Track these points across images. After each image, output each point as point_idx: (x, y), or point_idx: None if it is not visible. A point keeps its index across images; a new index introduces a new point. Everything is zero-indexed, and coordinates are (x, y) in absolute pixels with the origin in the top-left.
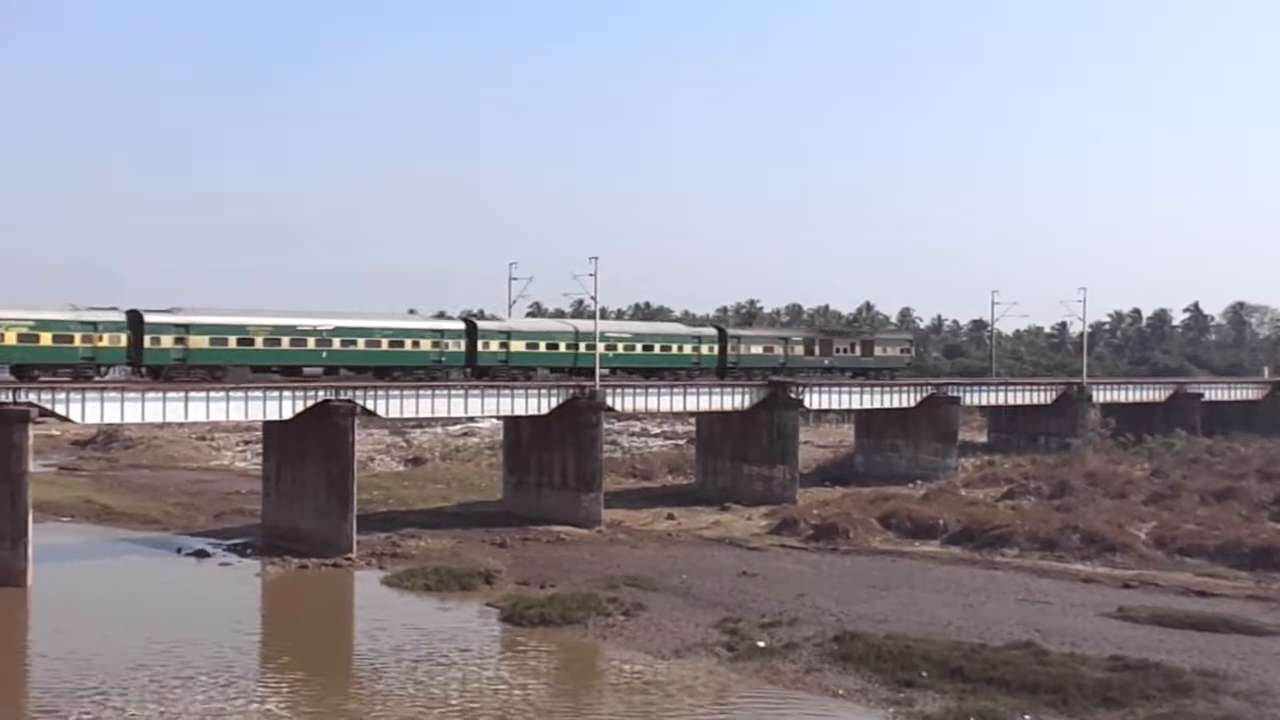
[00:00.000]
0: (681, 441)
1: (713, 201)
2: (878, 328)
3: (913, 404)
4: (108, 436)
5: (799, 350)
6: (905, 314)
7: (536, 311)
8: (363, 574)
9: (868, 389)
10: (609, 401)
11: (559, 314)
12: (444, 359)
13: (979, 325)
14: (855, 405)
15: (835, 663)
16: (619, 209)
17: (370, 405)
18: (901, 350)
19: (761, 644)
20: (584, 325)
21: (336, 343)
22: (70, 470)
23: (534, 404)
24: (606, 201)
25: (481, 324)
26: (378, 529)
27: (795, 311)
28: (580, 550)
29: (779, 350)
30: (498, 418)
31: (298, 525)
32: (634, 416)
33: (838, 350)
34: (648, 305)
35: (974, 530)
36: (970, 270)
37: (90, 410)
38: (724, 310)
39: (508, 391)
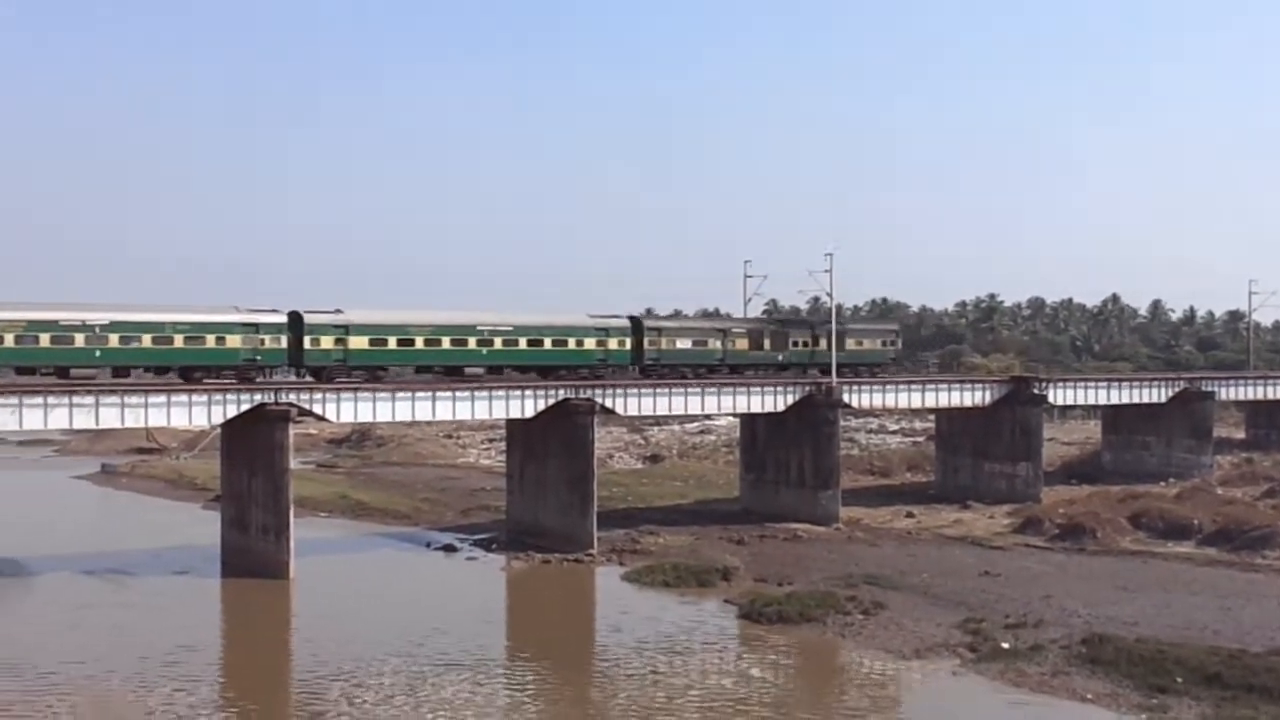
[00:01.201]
0: (920, 439)
1: (955, 194)
2: (856, 317)
3: (1164, 399)
4: (361, 435)
5: (741, 344)
6: (1156, 306)
7: (773, 309)
8: (603, 569)
9: (1115, 384)
10: (845, 398)
11: (794, 311)
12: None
13: (1235, 316)
14: (1102, 401)
15: (1083, 666)
16: (857, 205)
17: (609, 403)
18: (884, 343)
19: (1006, 645)
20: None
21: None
22: (327, 467)
23: (770, 401)
24: (842, 198)
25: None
26: (617, 525)
27: (1037, 305)
28: (818, 548)
29: (715, 344)
30: (734, 415)
31: (540, 521)
32: (871, 413)
33: (795, 343)
34: (884, 301)
35: (1231, 530)
36: (1222, 258)
37: (345, 409)
38: (963, 305)
39: (744, 389)
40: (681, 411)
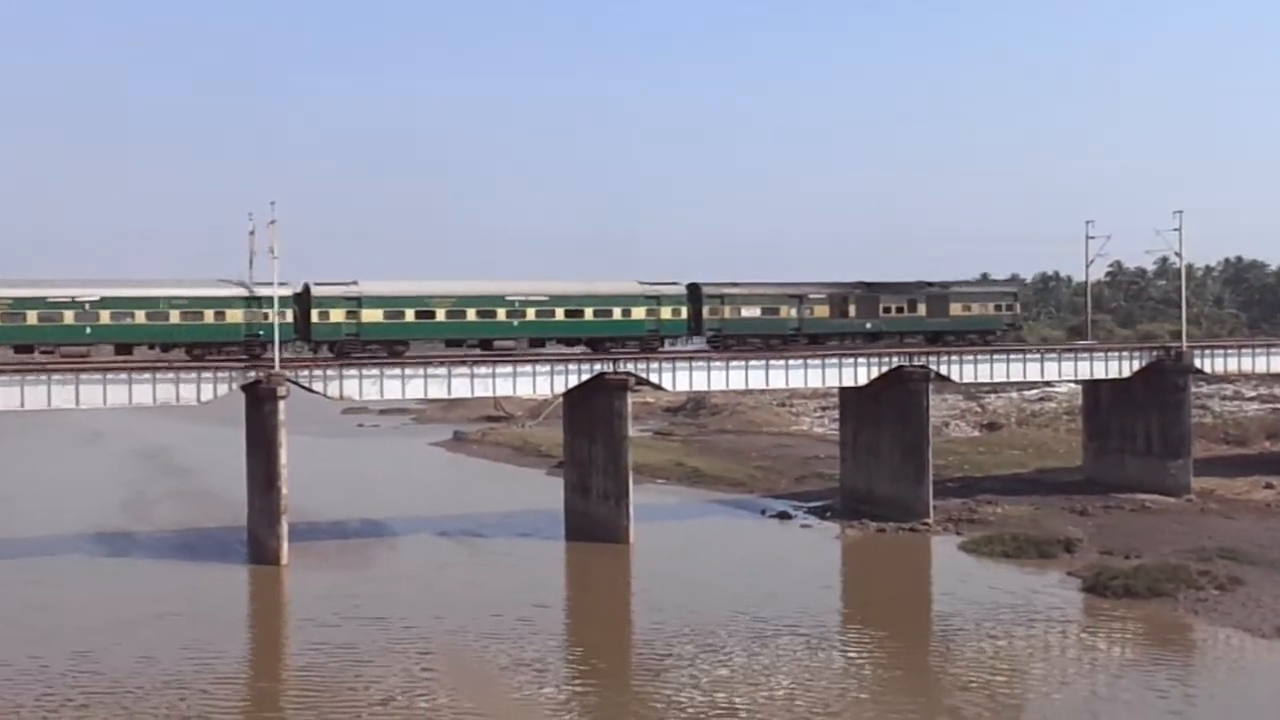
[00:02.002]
0: None
1: None
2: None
3: None
4: (696, 403)
5: (821, 311)
6: None
7: (1117, 271)
8: (939, 539)
9: None
10: (1197, 363)
11: (1139, 274)
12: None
13: None
14: None
15: None
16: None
17: (944, 370)
18: (997, 307)
19: None
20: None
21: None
22: (664, 435)
23: (1114, 367)
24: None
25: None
26: (953, 495)
27: None
28: (1167, 520)
29: (789, 312)
30: (1075, 382)
31: (874, 489)
32: (1225, 379)
33: (887, 310)
34: (1239, 259)
35: None
36: None
37: (680, 378)
38: None
39: (1085, 354)
40: (1018, 378)
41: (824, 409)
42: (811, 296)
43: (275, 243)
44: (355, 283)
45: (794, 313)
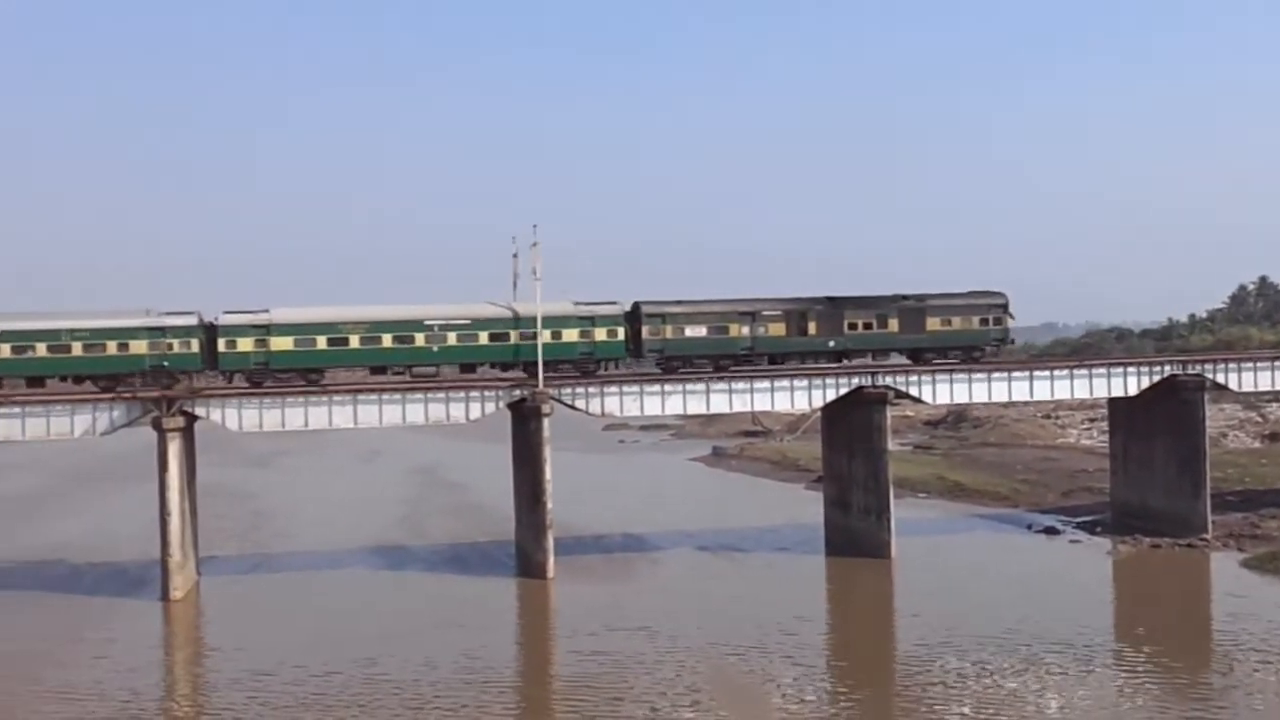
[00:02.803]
0: None
1: None
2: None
3: None
4: (957, 416)
5: (776, 328)
6: None
7: None
8: (1219, 555)
9: None
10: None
11: None
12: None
13: None
14: None
15: None
16: None
17: (1220, 379)
18: (982, 320)
19: None
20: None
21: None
22: (924, 448)
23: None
24: None
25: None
26: (1233, 509)
27: None
28: None
29: (741, 330)
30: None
31: (1147, 503)
32: None
33: (853, 326)
34: None
35: None
36: None
37: (940, 391)
38: None
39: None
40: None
41: (1091, 420)
42: (765, 313)
43: (537, 264)
44: (267, 310)
45: (746, 331)
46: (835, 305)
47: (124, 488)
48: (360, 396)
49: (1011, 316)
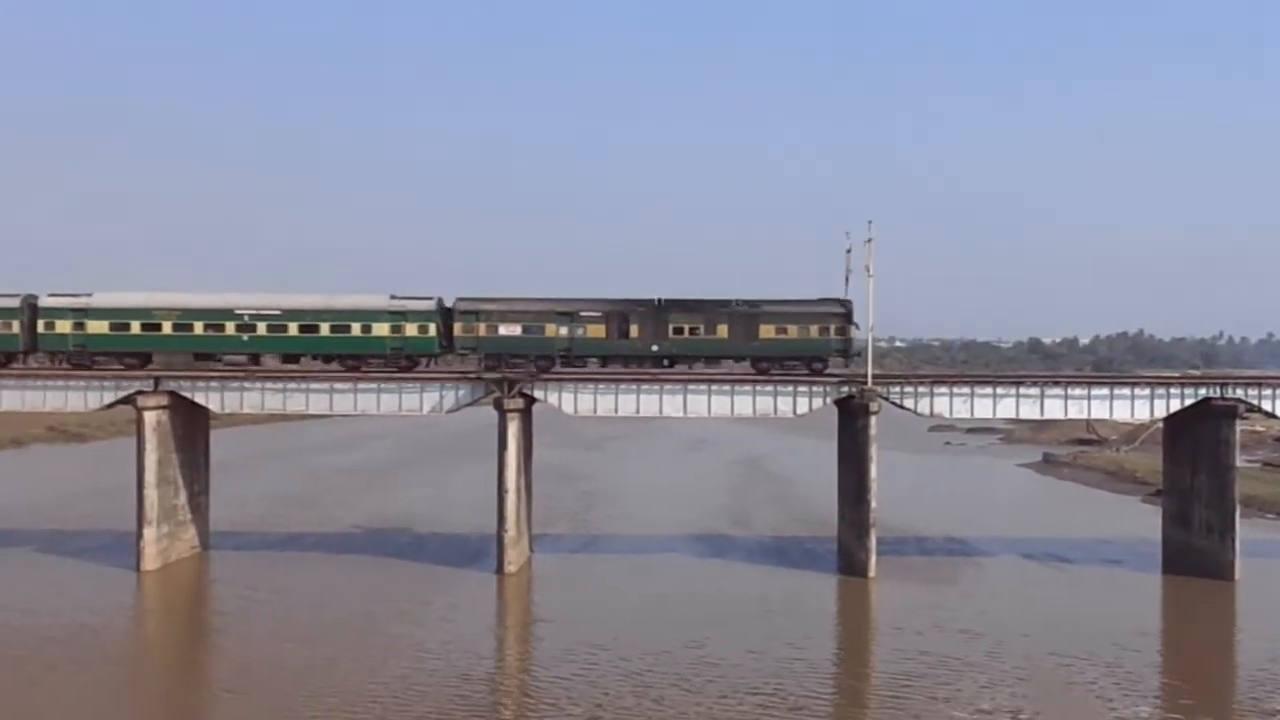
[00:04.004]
0: None
1: None
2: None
3: None
4: None
5: (595, 330)
6: None
7: None
8: None
9: None
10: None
11: None
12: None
13: None
14: None
15: None
16: None
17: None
18: (821, 330)
19: None
20: (225, 299)
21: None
22: (1274, 466)
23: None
24: None
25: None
26: None
27: None
28: None
29: (556, 330)
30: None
31: None
32: None
33: (679, 330)
34: None
35: None
36: None
37: None
38: None
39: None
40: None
41: None
42: (584, 314)
43: (870, 261)
44: (90, 294)
45: (564, 331)
46: (660, 308)
47: (462, 463)
48: (690, 387)
49: (856, 326)
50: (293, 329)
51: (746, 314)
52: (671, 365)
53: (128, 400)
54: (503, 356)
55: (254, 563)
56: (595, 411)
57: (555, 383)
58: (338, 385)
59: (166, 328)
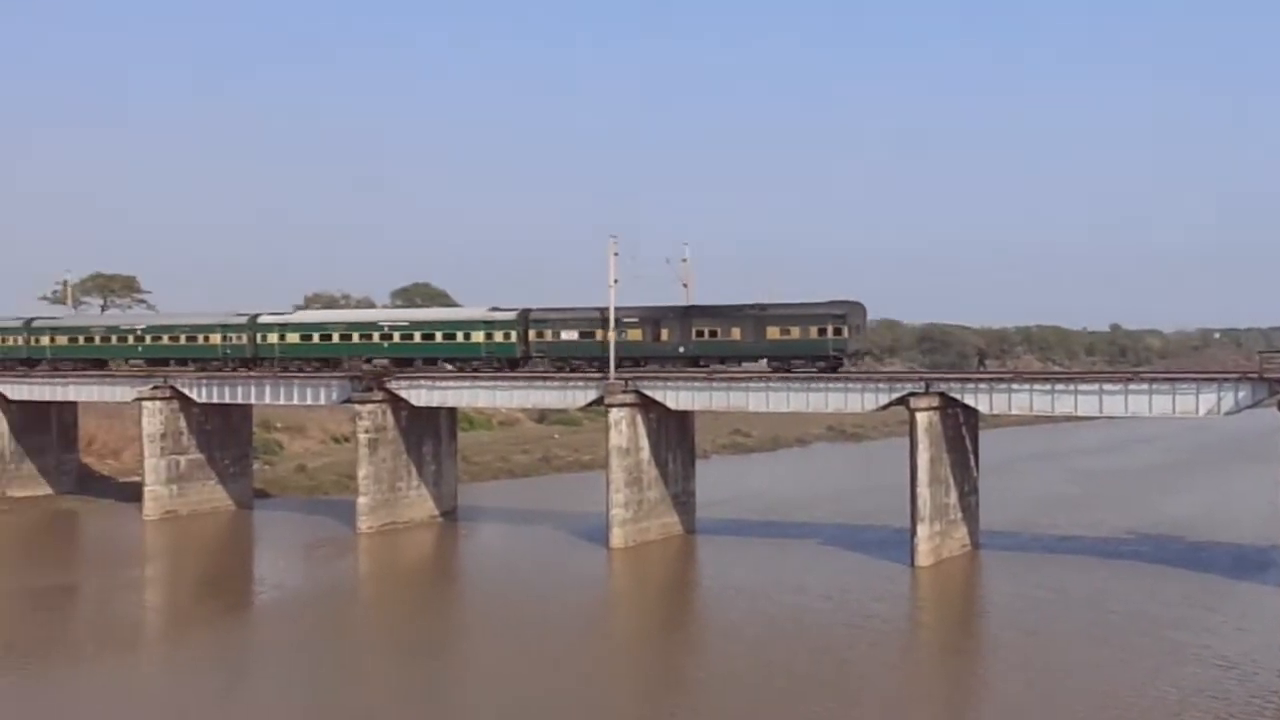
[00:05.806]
0: None
1: None
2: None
3: None
4: None
5: (634, 334)
6: None
7: None
8: None
9: None
10: None
11: None
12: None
13: None
14: None
15: None
16: None
17: None
18: (820, 331)
19: None
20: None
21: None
22: None
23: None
24: None
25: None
26: None
27: None
28: None
29: (603, 334)
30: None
31: None
32: None
33: (700, 334)
34: None
35: None
36: None
37: None
38: None
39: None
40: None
41: None
42: (625, 320)
43: None
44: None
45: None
46: (686, 313)
47: (1236, 467)
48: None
49: (855, 329)
50: (417, 337)
51: (756, 317)
52: (694, 364)
53: (901, 402)
54: (565, 358)
55: (1025, 562)
56: None
57: None
58: (1107, 387)
59: (335, 338)
